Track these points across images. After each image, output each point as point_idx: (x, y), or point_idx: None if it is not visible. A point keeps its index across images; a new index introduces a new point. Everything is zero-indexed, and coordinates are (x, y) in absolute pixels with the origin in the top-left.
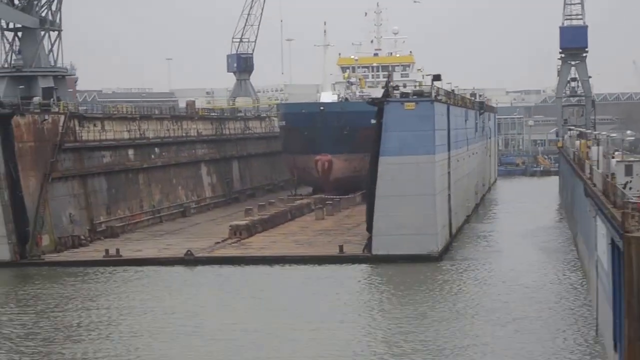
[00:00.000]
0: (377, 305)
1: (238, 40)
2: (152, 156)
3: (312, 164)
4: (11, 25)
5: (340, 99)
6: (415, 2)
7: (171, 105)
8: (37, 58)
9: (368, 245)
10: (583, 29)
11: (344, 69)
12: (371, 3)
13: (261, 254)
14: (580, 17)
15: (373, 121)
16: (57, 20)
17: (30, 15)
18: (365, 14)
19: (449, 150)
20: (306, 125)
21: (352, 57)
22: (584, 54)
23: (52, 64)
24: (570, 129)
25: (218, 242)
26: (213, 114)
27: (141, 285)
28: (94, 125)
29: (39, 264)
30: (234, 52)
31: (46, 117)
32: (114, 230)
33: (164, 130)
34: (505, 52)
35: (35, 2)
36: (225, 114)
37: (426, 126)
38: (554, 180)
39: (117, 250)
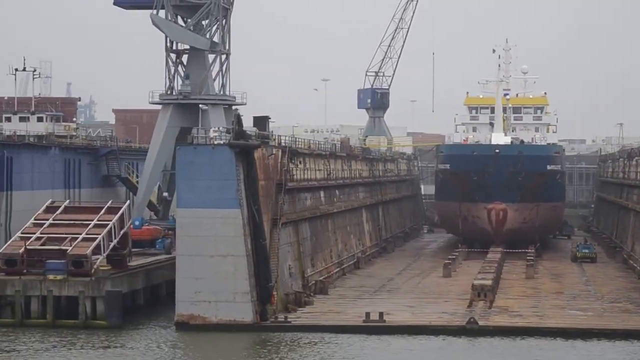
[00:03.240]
0: None
1: (373, 74)
2: (335, 200)
3: (482, 213)
4: (173, 47)
5: (513, 142)
6: None
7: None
8: (205, 85)
9: None
10: None
11: (470, 109)
12: (499, 39)
13: (558, 325)
14: None
15: (549, 167)
16: (227, 43)
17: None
18: (493, 50)
19: None
20: (476, 169)
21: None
22: None
23: (218, 90)
24: None
25: (469, 307)
26: (369, 155)
27: None
28: (299, 162)
29: (285, 327)
30: (367, 86)
31: (273, 151)
32: (325, 285)
33: (341, 171)
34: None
35: (205, 22)
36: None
37: None
38: None
39: (381, 315)
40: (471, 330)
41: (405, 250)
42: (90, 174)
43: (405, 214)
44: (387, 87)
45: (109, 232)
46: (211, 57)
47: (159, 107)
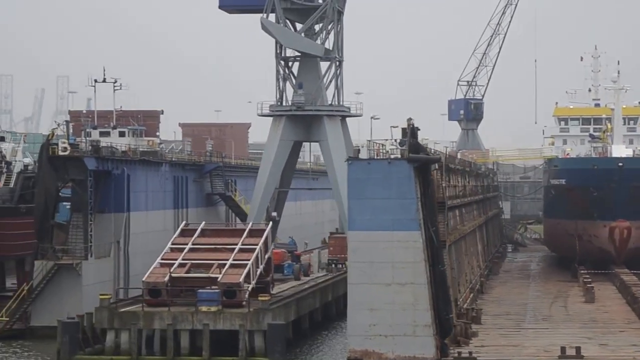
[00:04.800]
0: None
1: (465, 83)
2: (464, 219)
3: (601, 231)
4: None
5: (635, 154)
6: None
7: None
8: (320, 95)
9: None
10: None
11: (559, 120)
12: (588, 46)
13: None
14: None
15: None
16: (340, 49)
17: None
18: (581, 58)
19: None
20: (596, 184)
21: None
22: None
23: (330, 101)
24: None
25: None
26: (479, 170)
27: None
28: (448, 178)
29: None
30: (459, 96)
31: (436, 166)
32: (478, 314)
33: (466, 188)
34: None
35: (319, 27)
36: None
37: None
38: None
39: (578, 350)
40: None
41: (510, 272)
42: (196, 193)
43: (495, 233)
44: (481, 98)
45: (257, 257)
46: (322, 65)
47: (229, 121)
